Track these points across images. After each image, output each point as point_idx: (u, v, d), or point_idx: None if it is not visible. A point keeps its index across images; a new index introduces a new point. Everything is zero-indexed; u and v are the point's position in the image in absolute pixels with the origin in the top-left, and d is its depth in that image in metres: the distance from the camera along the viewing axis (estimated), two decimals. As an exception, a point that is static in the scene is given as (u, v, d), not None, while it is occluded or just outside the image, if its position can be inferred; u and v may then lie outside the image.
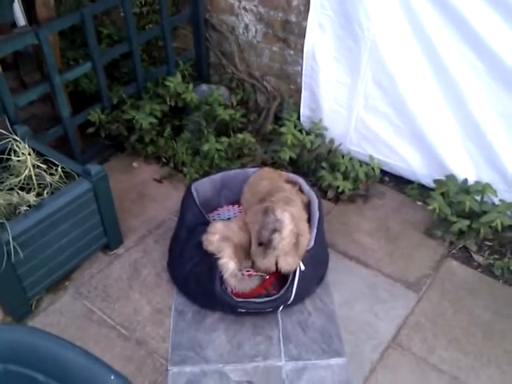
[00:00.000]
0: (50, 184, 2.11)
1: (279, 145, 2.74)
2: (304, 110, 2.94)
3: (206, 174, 2.67)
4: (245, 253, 2.10)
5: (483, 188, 2.41)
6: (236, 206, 2.52)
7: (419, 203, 2.68)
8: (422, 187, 2.69)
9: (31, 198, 2.00)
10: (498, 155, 2.37)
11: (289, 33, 2.82)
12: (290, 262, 2.01)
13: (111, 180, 2.20)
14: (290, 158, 2.69)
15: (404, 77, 2.43)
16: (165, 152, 2.88)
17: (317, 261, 2.18)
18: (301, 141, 2.71)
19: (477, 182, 2.47)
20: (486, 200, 2.45)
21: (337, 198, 2.70)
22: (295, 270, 2.02)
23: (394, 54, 2.40)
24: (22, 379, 0.99)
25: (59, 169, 2.13)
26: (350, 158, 2.72)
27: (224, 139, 2.74)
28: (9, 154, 2.13)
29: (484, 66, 2.20)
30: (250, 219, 2.15)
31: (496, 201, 2.44)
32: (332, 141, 2.85)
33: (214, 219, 2.43)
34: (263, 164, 2.73)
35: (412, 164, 2.67)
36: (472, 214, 2.38)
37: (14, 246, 1.84)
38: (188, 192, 2.34)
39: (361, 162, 2.72)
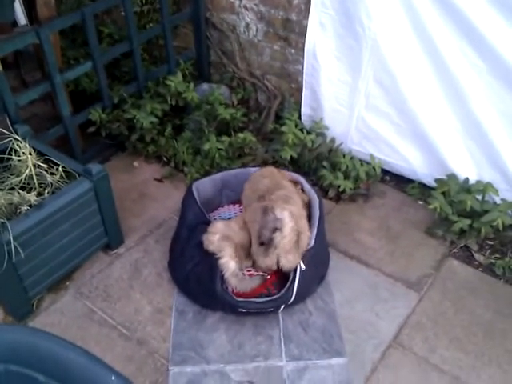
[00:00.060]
0: (51, 184, 2.11)
1: (280, 144, 2.74)
2: (305, 109, 2.93)
3: (207, 173, 2.67)
4: (245, 252, 2.10)
5: (484, 187, 2.40)
6: (237, 205, 2.52)
7: (420, 202, 2.68)
8: (423, 186, 2.69)
9: (32, 197, 2.00)
10: (499, 154, 2.36)
11: (290, 31, 2.82)
12: (291, 259, 2.01)
13: (112, 179, 2.19)
14: (291, 157, 2.69)
15: (405, 76, 2.43)
16: (166, 151, 2.88)
17: (317, 260, 2.18)
18: (302, 140, 2.71)
19: (478, 182, 2.46)
20: (488, 199, 2.44)
21: (338, 198, 2.69)
22: (296, 270, 2.02)
23: (395, 53, 2.40)
24: (22, 379, 0.99)
25: (60, 168, 2.13)
26: (351, 157, 2.72)
27: (225, 138, 2.74)
28: (9, 154, 2.13)
29: (485, 64, 2.20)
30: (249, 217, 2.15)
31: (497, 200, 2.44)
32: (333, 140, 2.84)
33: (215, 219, 2.43)
34: (264, 163, 2.73)
35: (413, 163, 2.67)
36: (473, 213, 2.37)
37: (14, 246, 1.84)
38: (189, 191, 2.34)
39: (362, 161, 2.71)
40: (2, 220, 1.86)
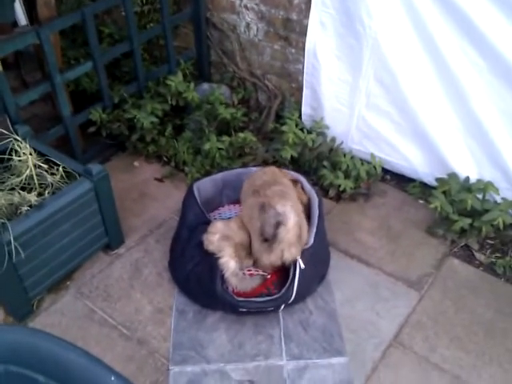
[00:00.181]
0: (51, 184, 2.11)
1: (280, 143, 2.74)
2: (305, 109, 2.93)
3: (207, 173, 2.67)
4: (245, 252, 2.10)
5: (485, 186, 2.40)
6: (237, 205, 2.52)
7: (421, 202, 2.67)
8: (424, 185, 2.69)
9: (32, 197, 2.00)
10: (500, 153, 2.36)
11: (290, 31, 2.81)
12: (294, 252, 2.01)
13: (112, 179, 2.20)
14: (292, 156, 2.69)
15: (406, 74, 2.43)
16: (166, 151, 2.88)
17: (318, 259, 2.18)
18: (302, 139, 2.70)
19: (479, 181, 2.46)
20: (488, 198, 2.44)
21: (338, 197, 2.69)
22: (295, 269, 2.02)
23: (396, 52, 2.39)
24: (22, 380, 0.99)
25: (60, 168, 2.13)
26: (352, 157, 2.72)
27: (225, 138, 2.74)
28: (10, 154, 2.13)
29: (486, 63, 2.19)
30: (245, 213, 2.15)
31: (498, 199, 2.44)
32: (333, 139, 2.84)
33: (216, 218, 2.43)
34: (264, 163, 2.73)
35: (414, 162, 2.67)
36: (474, 212, 2.37)
37: (15, 246, 1.85)
38: (189, 191, 2.34)
39: (362, 161, 2.71)
40: (2, 220, 1.86)
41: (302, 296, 2.11)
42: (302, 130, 2.76)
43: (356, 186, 2.66)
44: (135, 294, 2.21)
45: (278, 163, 2.74)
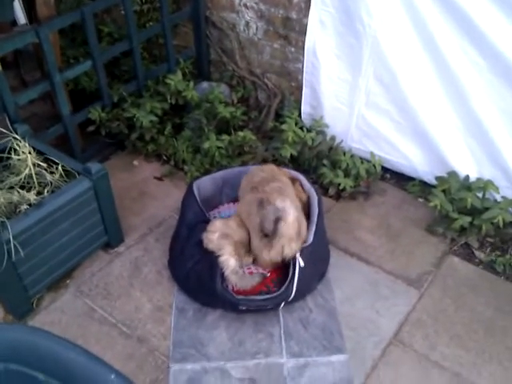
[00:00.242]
0: (51, 182, 2.11)
1: (280, 142, 2.74)
2: (305, 108, 2.93)
3: (207, 171, 2.67)
4: (245, 249, 2.10)
5: (485, 185, 2.40)
6: (237, 203, 2.51)
7: (420, 200, 2.67)
8: (424, 184, 2.69)
9: (31, 196, 2.00)
10: (499, 152, 2.36)
11: (290, 30, 2.81)
12: (294, 247, 2.02)
13: (112, 178, 2.19)
14: (291, 155, 2.69)
15: (405, 73, 2.43)
16: (165, 150, 2.88)
17: (317, 257, 2.18)
18: (302, 138, 2.70)
19: (478, 179, 2.46)
20: (488, 197, 2.44)
21: (338, 196, 2.69)
22: (295, 266, 2.01)
23: (396, 51, 2.39)
24: (22, 378, 0.99)
25: (59, 167, 2.13)
26: (351, 155, 2.72)
27: (225, 137, 2.74)
28: (9, 153, 2.13)
29: (486, 62, 2.19)
30: (243, 210, 2.15)
31: (498, 197, 2.44)
32: (333, 138, 2.84)
33: (215, 217, 2.43)
34: (264, 161, 2.72)
35: (413, 161, 2.67)
36: (474, 210, 2.37)
37: (14, 245, 1.85)
38: (189, 190, 2.34)
39: (362, 159, 2.71)
40: (1, 219, 1.86)
41: (301, 294, 2.11)
42: (301, 128, 2.76)
43: (356, 184, 2.66)
44: (135, 292, 2.21)
45: (277, 162, 2.73)
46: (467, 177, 2.49)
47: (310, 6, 2.56)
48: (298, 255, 2.02)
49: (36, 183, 2.09)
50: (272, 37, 2.92)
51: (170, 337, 2.02)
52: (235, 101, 3.10)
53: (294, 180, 2.36)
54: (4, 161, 2.15)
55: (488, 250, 2.41)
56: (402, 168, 2.75)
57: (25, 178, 2.10)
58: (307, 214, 2.24)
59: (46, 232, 1.99)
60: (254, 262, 2.14)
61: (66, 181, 2.14)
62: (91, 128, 2.81)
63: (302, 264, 2.01)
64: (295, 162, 2.78)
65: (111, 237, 2.35)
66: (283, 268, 2.11)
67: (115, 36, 3.21)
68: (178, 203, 2.44)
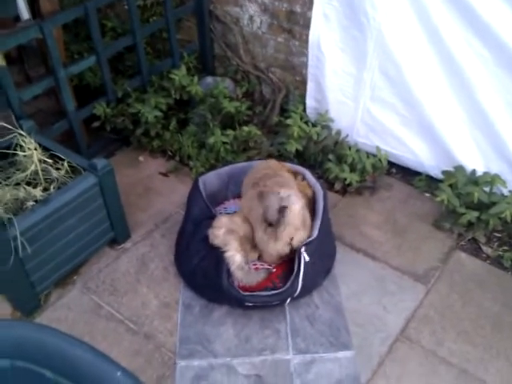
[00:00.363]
0: (57, 179, 2.11)
1: (285, 137, 2.72)
2: (310, 102, 2.91)
3: (212, 167, 2.67)
4: (250, 245, 2.10)
5: (492, 179, 2.38)
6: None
7: (427, 195, 2.66)
8: (430, 179, 2.67)
9: (38, 192, 2.01)
10: (506, 145, 2.34)
11: (294, 23, 2.79)
12: (301, 236, 2.02)
13: (117, 174, 2.19)
14: (297, 150, 2.67)
15: (411, 66, 2.41)
16: (170, 145, 2.88)
17: (323, 253, 2.17)
18: (307, 133, 2.69)
19: (485, 173, 2.44)
20: (495, 191, 2.42)
21: (344, 190, 2.68)
22: (300, 262, 2.00)
23: (401, 44, 2.37)
24: (29, 375, 0.99)
25: (65, 163, 2.13)
26: (357, 150, 2.70)
27: (230, 132, 2.73)
28: (15, 149, 2.13)
29: (491, 54, 2.17)
30: (245, 205, 2.15)
31: (505, 192, 2.42)
32: (338, 132, 2.83)
33: (221, 213, 2.42)
34: (269, 157, 2.71)
35: (419, 155, 2.65)
36: (481, 205, 2.35)
37: (21, 242, 1.85)
38: (195, 186, 2.34)
39: (368, 154, 2.69)
40: (8, 216, 1.86)
41: (307, 290, 2.10)
42: (306, 123, 2.74)
43: (362, 179, 2.65)
44: (142, 288, 2.21)
45: (282, 157, 2.73)
46: (474, 171, 2.47)
47: (314, -1, 2.54)
48: (302, 250, 2.02)
49: (42, 179, 2.09)
50: (276, 31, 2.90)
51: (177, 333, 2.03)
52: (240, 95, 3.09)
53: (295, 174, 2.35)
54: (10, 157, 2.16)
55: (495, 245, 2.40)
56: (408, 162, 2.73)
57: (31, 175, 2.10)
58: (313, 209, 2.23)
59: (53, 228, 1.99)
60: (260, 257, 2.14)
61: (71, 177, 2.13)
62: (96, 124, 2.81)
63: (307, 258, 2.00)
64: (301, 157, 2.77)
65: (118, 233, 2.35)
66: (289, 263, 2.10)
67: (119, 31, 3.20)
68: (183, 199, 2.43)
